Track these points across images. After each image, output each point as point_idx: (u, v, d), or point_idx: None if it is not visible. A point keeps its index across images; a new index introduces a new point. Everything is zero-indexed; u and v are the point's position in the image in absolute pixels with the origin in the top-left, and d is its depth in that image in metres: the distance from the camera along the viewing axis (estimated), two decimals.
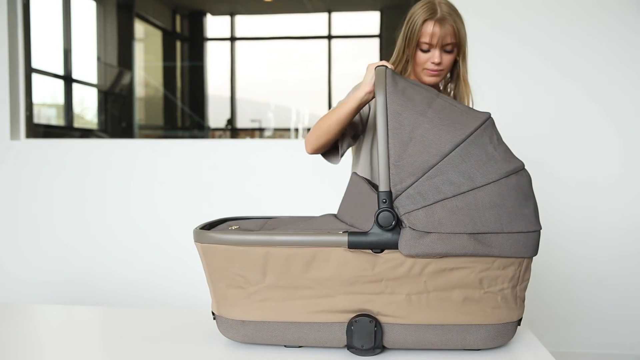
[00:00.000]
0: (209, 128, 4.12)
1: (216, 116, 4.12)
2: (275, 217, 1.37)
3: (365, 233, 1.06)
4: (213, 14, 4.17)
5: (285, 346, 1.14)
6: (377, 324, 1.08)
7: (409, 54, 1.43)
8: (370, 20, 3.56)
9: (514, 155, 1.08)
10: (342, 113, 1.30)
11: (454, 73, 1.50)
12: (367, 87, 1.24)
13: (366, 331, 1.07)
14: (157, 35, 4.28)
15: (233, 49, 4.12)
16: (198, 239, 1.13)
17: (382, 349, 1.10)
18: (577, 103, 2.51)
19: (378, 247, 1.06)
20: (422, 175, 1.03)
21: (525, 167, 1.09)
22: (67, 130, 3.74)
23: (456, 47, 1.43)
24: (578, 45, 2.50)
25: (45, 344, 1.21)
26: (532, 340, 1.20)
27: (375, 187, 1.27)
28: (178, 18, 4.35)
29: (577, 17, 2.49)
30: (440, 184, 1.03)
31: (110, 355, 1.15)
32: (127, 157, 2.77)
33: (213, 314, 1.18)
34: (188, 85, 4.29)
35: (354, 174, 1.29)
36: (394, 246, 1.05)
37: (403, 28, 1.44)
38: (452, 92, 1.54)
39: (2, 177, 2.82)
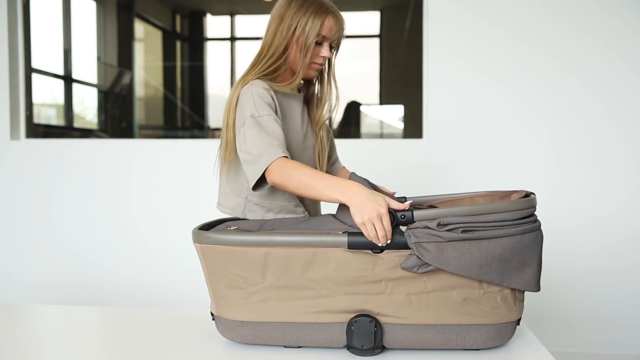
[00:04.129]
0: (209, 128, 4.12)
1: (216, 116, 4.11)
2: (273, 218, 1.37)
3: None
4: (213, 14, 4.16)
5: (284, 346, 1.14)
6: (377, 324, 1.08)
7: (302, 47, 1.37)
8: (370, 20, 3.56)
9: (536, 216, 1.09)
10: (319, 195, 1.14)
11: (322, 72, 1.50)
12: (365, 215, 1.05)
13: (366, 331, 1.07)
14: (157, 35, 4.27)
15: (233, 49, 4.12)
16: (197, 239, 1.13)
17: (382, 349, 1.10)
18: (578, 102, 2.51)
19: (378, 248, 1.06)
20: (447, 216, 1.04)
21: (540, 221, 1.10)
22: (67, 130, 3.74)
23: (336, 45, 1.45)
24: (579, 45, 2.50)
25: (45, 344, 1.21)
26: (532, 340, 1.20)
27: (374, 187, 1.27)
28: (178, 18, 4.34)
29: (577, 17, 2.49)
30: (460, 227, 1.03)
31: (110, 355, 1.15)
32: (127, 157, 2.77)
33: (212, 314, 1.18)
34: (188, 85, 4.28)
35: (353, 174, 1.28)
36: (393, 246, 1.06)
37: (289, 21, 1.37)
38: (318, 91, 1.52)
39: (2, 177, 2.82)
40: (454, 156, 2.58)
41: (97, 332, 1.32)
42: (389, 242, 1.06)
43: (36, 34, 2.98)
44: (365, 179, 1.24)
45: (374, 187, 1.23)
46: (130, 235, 2.75)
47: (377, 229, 1.04)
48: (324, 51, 1.40)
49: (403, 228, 1.06)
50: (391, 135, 3.50)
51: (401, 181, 2.57)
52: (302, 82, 1.52)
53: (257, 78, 1.38)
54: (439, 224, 1.03)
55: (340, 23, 1.41)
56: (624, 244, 2.50)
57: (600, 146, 2.51)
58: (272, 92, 1.36)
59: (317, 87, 1.53)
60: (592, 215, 2.52)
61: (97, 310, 1.51)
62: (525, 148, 2.55)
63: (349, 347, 1.09)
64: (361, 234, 1.07)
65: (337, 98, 1.49)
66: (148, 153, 2.77)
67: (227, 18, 4.13)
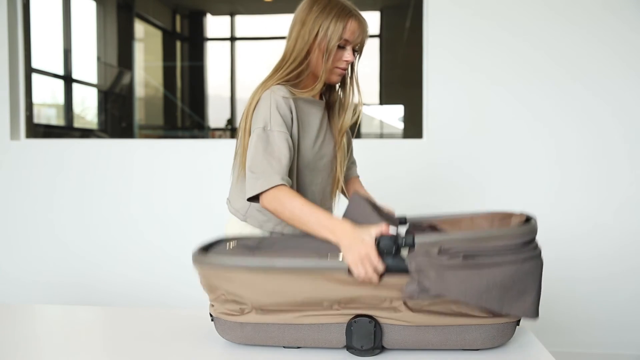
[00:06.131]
0: (209, 128, 4.12)
1: (216, 116, 4.11)
2: (272, 230, 1.37)
3: None
4: (213, 14, 4.17)
5: (284, 347, 1.14)
6: (377, 324, 1.08)
7: (324, 51, 1.34)
8: (370, 20, 3.57)
9: (536, 242, 1.09)
10: (309, 230, 1.16)
11: (345, 77, 1.46)
12: (359, 250, 1.05)
13: (366, 331, 1.07)
14: (157, 35, 4.28)
15: (233, 49, 4.12)
16: (197, 261, 1.12)
17: (382, 349, 1.10)
18: (578, 103, 2.51)
19: None
20: (448, 241, 1.04)
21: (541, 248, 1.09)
22: (67, 130, 3.75)
23: (359, 49, 1.42)
24: (579, 45, 2.50)
25: (45, 344, 1.21)
26: (532, 340, 1.20)
27: (375, 206, 1.27)
28: (178, 18, 4.35)
29: (577, 17, 2.49)
30: (460, 253, 1.03)
31: (110, 355, 1.15)
32: (127, 157, 2.77)
33: (211, 315, 1.18)
34: (188, 85, 4.29)
35: (355, 193, 1.27)
36: (395, 270, 1.05)
37: (311, 25, 1.34)
38: (340, 97, 1.48)
39: (2, 177, 2.82)
40: (454, 156, 2.58)
41: (97, 332, 1.32)
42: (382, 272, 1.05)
43: (36, 34, 2.98)
44: (366, 199, 1.23)
45: (375, 207, 1.22)
46: (130, 235, 2.75)
47: (366, 271, 1.03)
48: (347, 55, 1.37)
49: (404, 253, 1.06)
50: (391, 135, 3.50)
51: (401, 181, 2.57)
52: (324, 87, 1.47)
53: (279, 84, 1.35)
54: (439, 250, 1.02)
55: (363, 26, 1.38)
56: (625, 247, 2.50)
57: (600, 146, 2.51)
58: (292, 101, 1.33)
59: (339, 93, 1.49)
60: (592, 216, 2.52)
61: (97, 310, 1.51)
62: (525, 148, 2.55)
63: (349, 347, 1.09)
64: None
65: (360, 103, 1.45)
66: (148, 153, 2.77)
67: (227, 18, 4.14)
